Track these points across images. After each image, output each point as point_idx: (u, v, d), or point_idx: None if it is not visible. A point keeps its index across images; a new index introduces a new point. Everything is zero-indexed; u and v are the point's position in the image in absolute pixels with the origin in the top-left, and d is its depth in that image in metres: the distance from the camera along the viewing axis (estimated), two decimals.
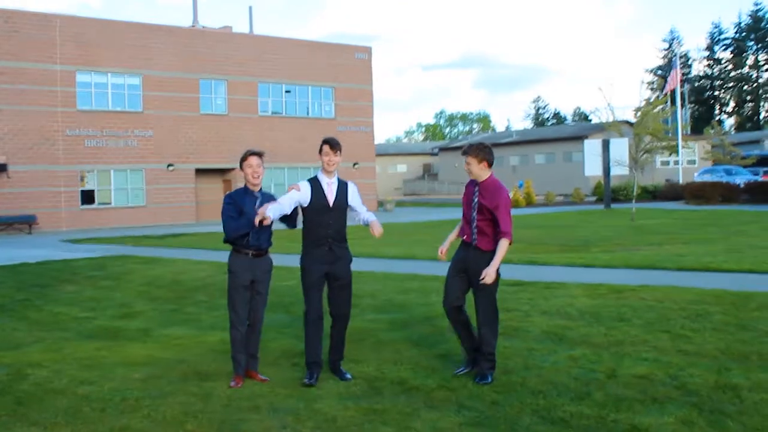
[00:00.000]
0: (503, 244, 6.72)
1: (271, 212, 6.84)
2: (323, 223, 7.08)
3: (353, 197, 7.28)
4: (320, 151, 7.15)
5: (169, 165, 41.15)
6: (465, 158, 6.97)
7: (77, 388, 6.99)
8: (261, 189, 7.28)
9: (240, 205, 7.10)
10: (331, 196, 7.11)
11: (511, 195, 47.32)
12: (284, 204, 7.00)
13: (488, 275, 6.67)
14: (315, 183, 7.14)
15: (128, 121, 40.02)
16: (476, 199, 6.90)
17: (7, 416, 6.19)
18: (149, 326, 10.57)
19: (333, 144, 7.09)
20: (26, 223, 36.25)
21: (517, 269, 14.12)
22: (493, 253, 6.77)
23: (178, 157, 41.54)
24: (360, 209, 7.36)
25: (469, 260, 6.95)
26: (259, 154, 7.22)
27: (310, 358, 7.10)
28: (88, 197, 39.07)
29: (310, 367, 7.07)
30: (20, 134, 36.50)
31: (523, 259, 16.15)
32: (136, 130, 40.17)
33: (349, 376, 7.13)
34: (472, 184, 7.03)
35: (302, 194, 7.06)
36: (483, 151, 6.88)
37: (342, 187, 7.21)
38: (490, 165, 6.90)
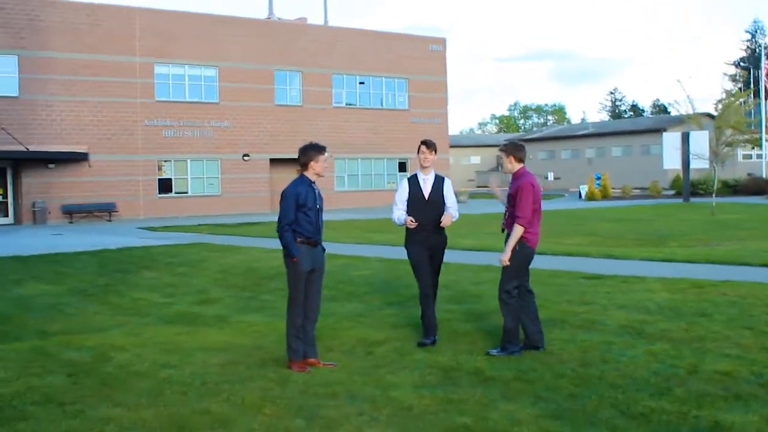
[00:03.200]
0: (516, 229, 7.42)
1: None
2: (421, 213, 8.05)
3: (447, 191, 8.28)
4: (418, 150, 8.27)
5: (244, 155, 41.72)
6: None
7: (159, 371, 7.15)
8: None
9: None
10: (426, 190, 8.19)
11: (586, 188, 46.89)
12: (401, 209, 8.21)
13: (501, 260, 7.49)
14: (413, 179, 8.29)
15: (205, 111, 40.72)
16: (508, 190, 7.70)
17: (92, 397, 6.36)
18: (226, 313, 10.73)
19: (429, 144, 8.26)
20: (106, 210, 37.21)
21: (594, 263, 13.92)
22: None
23: (253, 147, 42.08)
24: (447, 202, 8.24)
25: None
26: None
27: (425, 326, 8.16)
28: (165, 186, 39.88)
29: (426, 332, 8.13)
30: (101, 125, 37.46)
31: (601, 252, 15.92)
32: (212, 121, 40.84)
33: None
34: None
35: (401, 192, 8.21)
36: (511, 148, 7.71)
37: (438, 182, 8.28)
38: (518, 160, 7.65)
